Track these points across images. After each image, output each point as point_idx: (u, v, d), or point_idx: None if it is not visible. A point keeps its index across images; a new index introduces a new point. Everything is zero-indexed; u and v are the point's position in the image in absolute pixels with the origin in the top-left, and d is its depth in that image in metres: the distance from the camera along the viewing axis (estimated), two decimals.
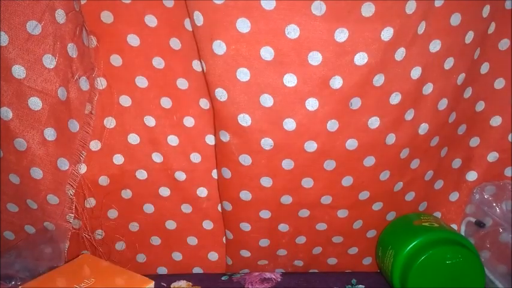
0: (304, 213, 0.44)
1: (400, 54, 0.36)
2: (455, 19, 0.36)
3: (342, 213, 0.44)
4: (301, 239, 0.46)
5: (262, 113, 0.38)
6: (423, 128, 0.41)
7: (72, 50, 0.38)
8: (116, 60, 0.41)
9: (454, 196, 0.48)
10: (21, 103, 0.37)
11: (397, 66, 0.37)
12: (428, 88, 0.39)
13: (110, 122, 0.43)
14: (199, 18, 0.35)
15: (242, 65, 0.36)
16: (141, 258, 0.48)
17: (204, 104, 0.43)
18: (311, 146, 0.39)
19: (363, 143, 0.40)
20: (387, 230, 0.46)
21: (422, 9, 0.35)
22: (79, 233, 0.45)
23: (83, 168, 0.43)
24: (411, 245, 0.41)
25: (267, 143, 0.39)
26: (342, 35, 0.34)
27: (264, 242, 0.45)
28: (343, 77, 0.36)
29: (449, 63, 0.38)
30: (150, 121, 0.43)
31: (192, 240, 0.48)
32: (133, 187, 0.45)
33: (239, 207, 0.43)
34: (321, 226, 0.45)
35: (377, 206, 0.45)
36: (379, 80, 0.37)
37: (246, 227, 0.44)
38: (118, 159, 0.44)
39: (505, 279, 0.43)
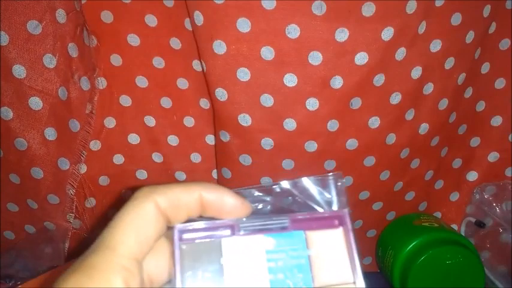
0: None
1: (400, 54, 0.36)
2: (456, 19, 0.36)
3: None
4: None
5: (262, 113, 0.38)
6: (423, 127, 0.41)
7: (72, 49, 0.38)
8: (116, 59, 0.41)
9: (454, 196, 0.48)
10: (21, 103, 0.37)
11: (398, 66, 0.37)
12: (428, 88, 0.39)
13: (110, 122, 0.43)
14: (199, 18, 0.35)
15: (242, 64, 0.36)
16: None
17: (204, 103, 0.42)
18: (311, 146, 0.39)
19: (363, 143, 0.40)
20: (387, 230, 0.46)
21: (422, 9, 0.35)
22: (79, 233, 0.45)
23: (83, 168, 0.43)
24: (411, 245, 0.41)
25: (267, 143, 0.39)
26: (342, 34, 0.34)
27: None
28: (344, 76, 0.36)
29: (449, 63, 0.38)
30: (150, 121, 0.43)
31: None
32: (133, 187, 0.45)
33: None
34: None
35: (377, 206, 0.45)
36: (379, 79, 0.37)
37: None
38: (118, 159, 0.44)
39: (505, 280, 0.43)
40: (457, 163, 0.46)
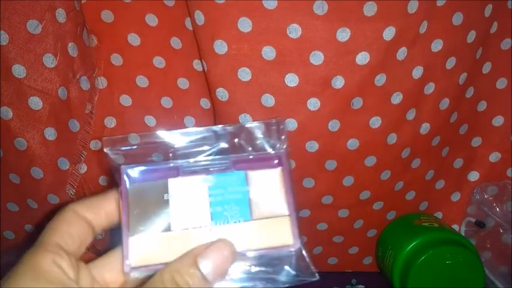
0: (305, 213, 0.44)
1: (401, 53, 0.36)
2: (457, 18, 0.36)
3: (343, 213, 0.44)
4: None
5: (263, 113, 0.38)
6: (424, 127, 0.41)
7: (72, 49, 0.37)
8: (117, 59, 0.41)
9: (455, 196, 0.48)
10: (21, 102, 0.37)
11: (399, 66, 0.37)
12: (429, 88, 0.39)
13: (110, 122, 0.43)
14: (200, 17, 0.35)
15: (243, 64, 0.36)
16: None
17: (205, 103, 0.42)
18: (312, 146, 0.39)
19: (364, 143, 0.40)
20: (387, 230, 0.46)
21: (424, 9, 0.35)
22: None
23: (83, 168, 0.43)
24: (411, 245, 0.41)
25: None
26: (343, 34, 0.34)
27: None
28: (345, 76, 0.36)
29: (451, 62, 0.38)
30: (150, 121, 0.43)
31: None
32: None
33: None
34: (322, 226, 0.45)
35: (377, 206, 0.45)
36: (380, 79, 0.37)
37: None
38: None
39: (505, 280, 0.43)
40: (458, 163, 0.46)
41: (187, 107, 0.43)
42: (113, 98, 0.42)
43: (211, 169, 0.22)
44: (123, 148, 0.22)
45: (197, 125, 0.43)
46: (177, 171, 0.22)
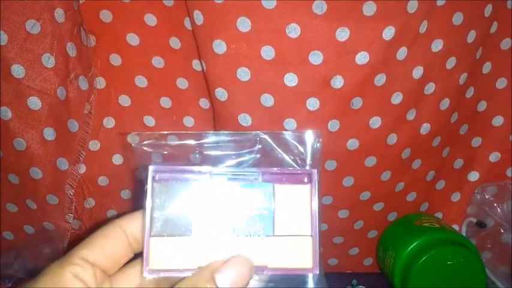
0: None
1: (401, 53, 0.36)
2: (457, 18, 0.36)
3: (343, 214, 0.44)
4: None
5: (262, 113, 0.38)
6: (425, 128, 0.41)
7: (71, 49, 0.37)
8: (115, 59, 0.41)
9: (455, 196, 0.48)
10: (20, 103, 0.36)
11: (399, 66, 0.37)
12: (430, 88, 0.39)
13: (109, 122, 0.43)
14: (199, 17, 0.35)
15: (242, 64, 0.36)
16: None
17: (204, 103, 0.42)
18: None
19: (364, 143, 0.40)
20: (388, 230, 0.46)
21: (424, 9, 0.35)
22: (78, 233, 0.45)
23: (82, 168, 0.43)
24: (412, 246, 0.41)
25: None
26: (343, 34, 0.34)
27: None
28: (345, 76, 0.36)
29: (451, 62, 0.38)
30: (149, 121, 0.43)
31: None
32: (133, 187, 0.45)
33: None
34: (322, 227, 0.45)
35: (378, 207, 0.44)
36: (380, 79, 0.37)
37: None
38: (117, 159, 0.44)
39: (506, 280, 0.43)
40: (458, 163, 0.46)
41: (187, 107, 0.43)
42: (111, 98, 0.42)
43: (239, 178, 0.21)
44: (149, 143, 0.22)
45: (196, 124, 0.43)
46: (205, 176, 0.21)
